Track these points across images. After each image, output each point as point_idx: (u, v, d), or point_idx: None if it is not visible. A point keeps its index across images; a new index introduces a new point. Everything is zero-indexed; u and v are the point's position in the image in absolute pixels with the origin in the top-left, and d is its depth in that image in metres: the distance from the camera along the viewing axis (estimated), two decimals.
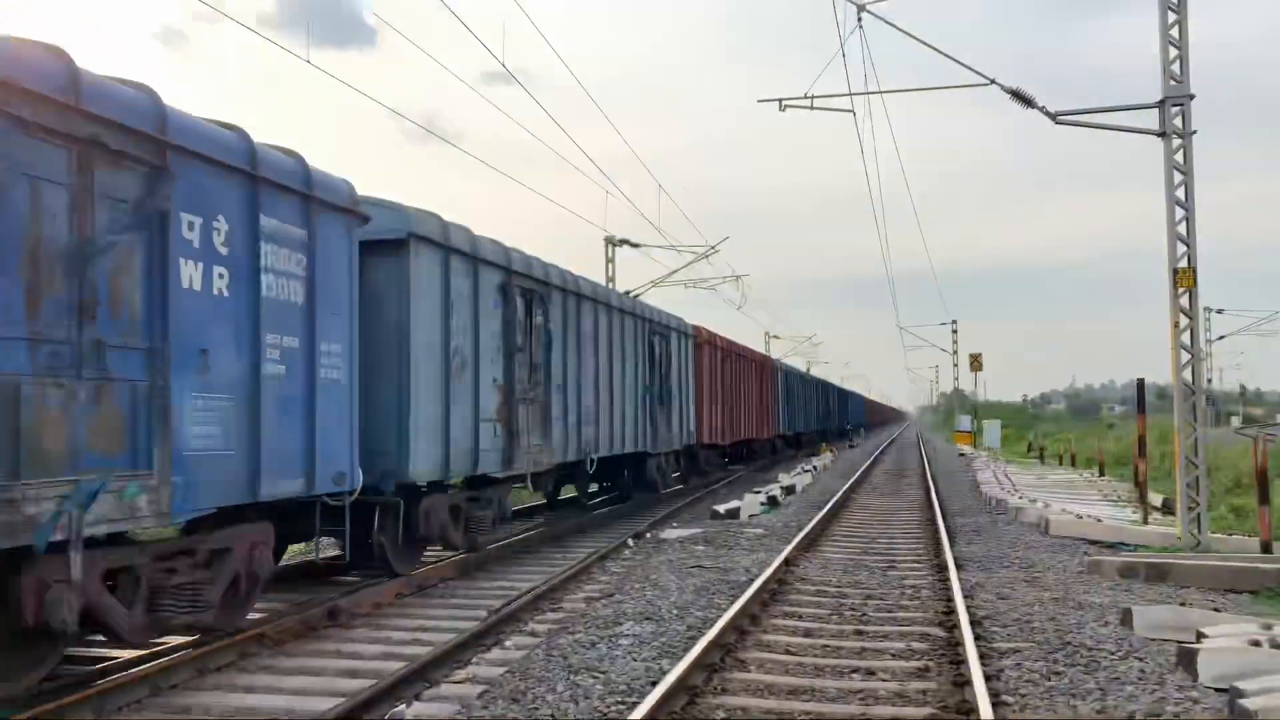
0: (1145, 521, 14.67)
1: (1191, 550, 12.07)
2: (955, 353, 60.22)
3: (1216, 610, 8.30)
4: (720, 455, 26.09)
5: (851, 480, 23.69)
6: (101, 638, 6.66)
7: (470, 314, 10.72)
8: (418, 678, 6.72)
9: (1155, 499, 16.57)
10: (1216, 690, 5.76)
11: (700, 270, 50.46)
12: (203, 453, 6.72)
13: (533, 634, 8.09)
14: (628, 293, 25.44)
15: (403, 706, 6.17)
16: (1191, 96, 12.85)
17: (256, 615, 8.24)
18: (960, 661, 6.74)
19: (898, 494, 21.72)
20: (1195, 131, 12.82)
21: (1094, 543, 13.30)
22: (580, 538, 14.13)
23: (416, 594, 9.88)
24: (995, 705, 5.62)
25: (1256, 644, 6.01)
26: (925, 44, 13.89)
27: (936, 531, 13.87)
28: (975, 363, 55.67)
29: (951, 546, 12.32)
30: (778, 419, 33.51)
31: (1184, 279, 12.74)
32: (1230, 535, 13.17)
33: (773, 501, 18.47)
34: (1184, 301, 12.76)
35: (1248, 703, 4.67)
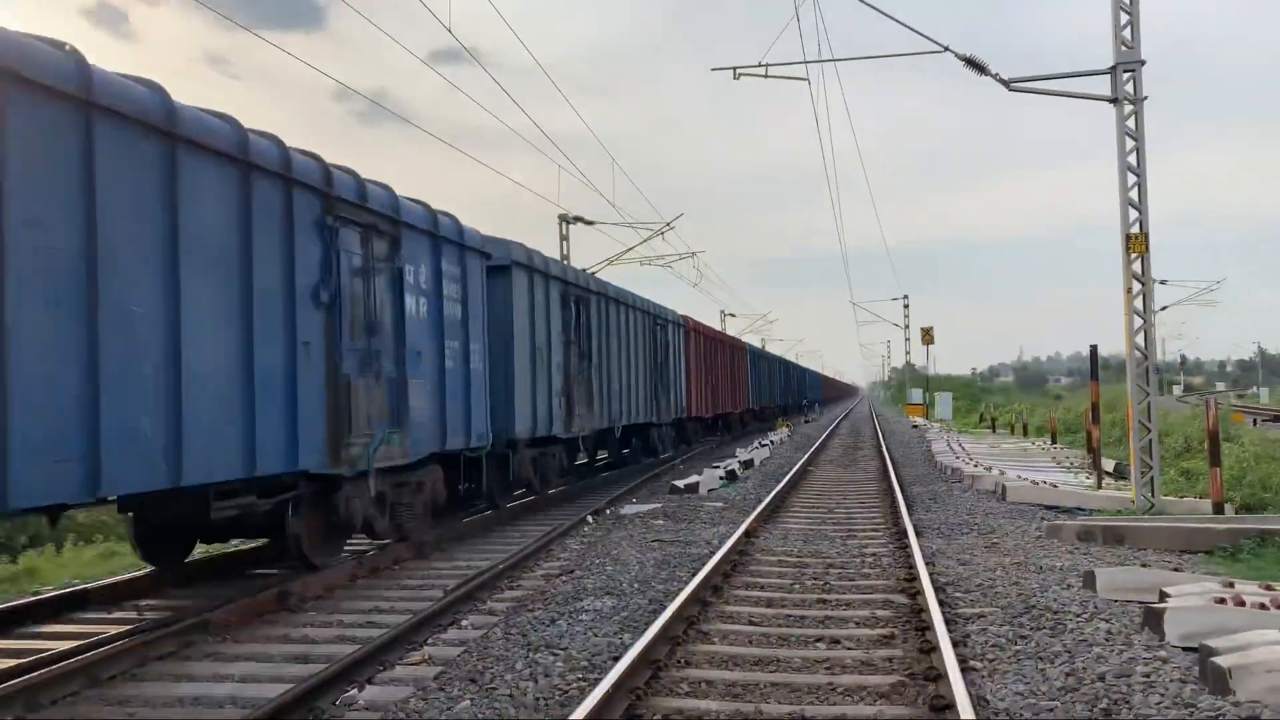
0: (1099, 486, 14.82)
1: (1145, 513, 12.19)
2: (907, 327, 60.84)
3: (1176, 570, 8.34)
4: (703, 426, 29.80)
5: (808, 453, 23.73)
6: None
7: (545, 317, 14.28)
8: (371, 660, 6.48)
9: (1107, 464, 16.76)
10: (1184, 649, 5.73)
11: (656, 247, 50.15)
12: (419, 419, 10.19)
13: (491, 612, 7.87)
14: (585, 270, 25.21)
15: (355, 691, 5.93)
16: (1142, 62, 12.86)
17: (210, 601, 7.93)
18: (925, 628, 6.65)
19: (855, 465, 21.79)
20: (1146, 97, 12.85)
21: (1050, 508, 13.40)
22: (537, 516, 13.92)
23: (370, 575, 9.62)
24: (964, 671, 5.52)
25: (1222, 601, 5.98)
26: (878, 10, 13.76)
27: (894, 500, 13.88)
28: (927, 336, 56.22)
29: (910, 514, 12.31)
30: (748, 394, 37.52)
31: (1136, 244, 12.79)
32: (1181, 498, 13.32)
33: (732, 476, 18.40)
34: (1136, 267, 12.82)
35: (1220, 661, 4.62)
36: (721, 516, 12.99)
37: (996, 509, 13.41)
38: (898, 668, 5.97)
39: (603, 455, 21.31)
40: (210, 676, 6.36)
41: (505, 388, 12.74)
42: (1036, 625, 6.62)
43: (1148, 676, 5.21)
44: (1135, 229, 12.78)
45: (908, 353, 62.15)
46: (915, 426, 41.27)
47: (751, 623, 7.16)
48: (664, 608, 7.14)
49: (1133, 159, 12.84)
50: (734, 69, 14.90)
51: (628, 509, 14.04)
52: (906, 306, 61.11)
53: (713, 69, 14.81)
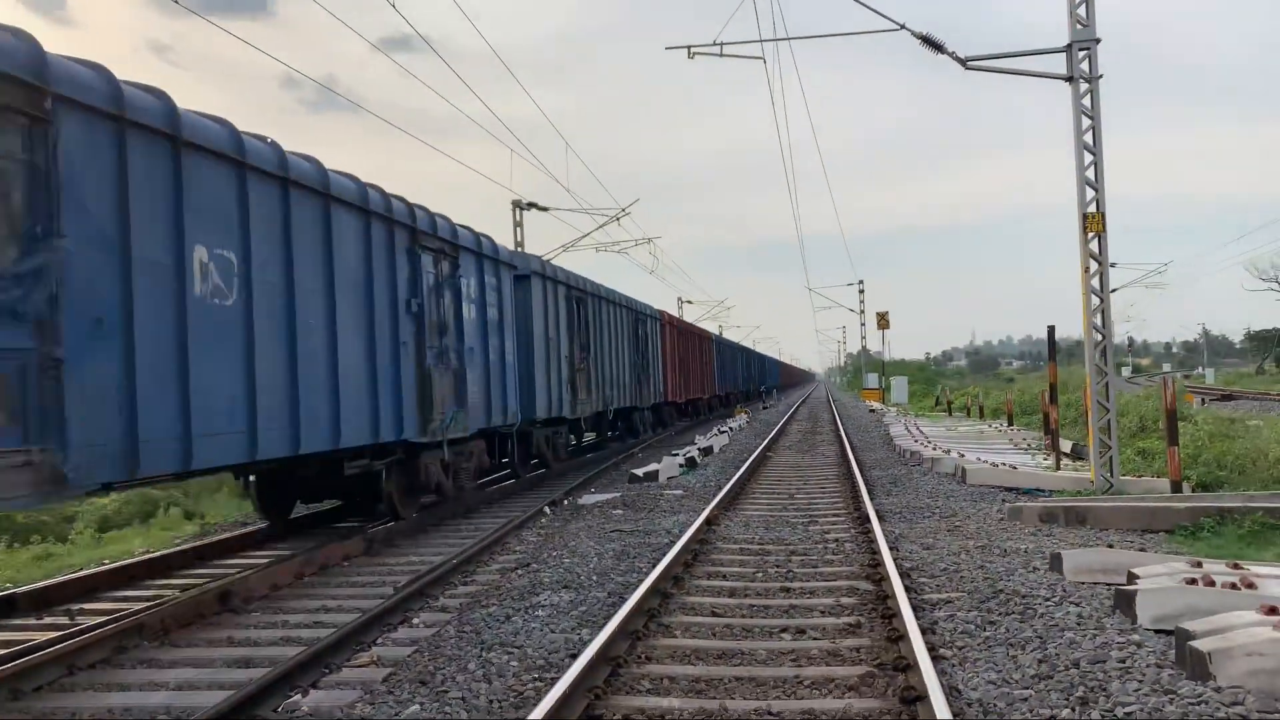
0: (1058, 468, 14.83)
1: (1105, 493, 12.18)
2: (862, 312, 61.17)
3: (1142, 550, 8.26)
4: (678, 410, 32.61)
5: (767, 439, 23.62)
6: None
7: (555, 316, 16.83)
8: (317, 663, 6.15)
9: (1064, 445, 16.81)
10: (1157, 632, 5.59)
11: (612, 233, 49.83)
12: (473, 401, 12.62)
13: (443, 609, 7.57)
14: (541, 257, 24.86)
15: (298, 696, 5.61)
16: (1098, 40, 12.80)
17: (149, 603, 7.53)
18: (892, 615, 6.46)
19: (814, 450, 21.72)
20: (1102, 75, 12.80)
21: (1010, 489, 13.36)
22: (492, 508, 13.60)
23: (318, 573, 9.26)
24: (934, 660, 5.33)
25: (1193, 582, 5.85)
26: None
27: (855, 484, 13.76)
28: (882, 321, 56.56)
29: (871, 499, 12.18)
30: (715, 381, 40.97)
31: (1093, 224, 12.75)
32: (1139, 477, 13.35)
33: (691, 463, 18.20)
34: (1094, 246, 12.78)
35: (1199, 645, 4.46)
36: (682, 505, 12.77)
37: (957, 491, 13.34)
38: (866, 658, 5.77)
39: (589, 437, 23.15)
40: (144, 684, 6.00)
41: (527, 375, 15.27)
42: (1005, 610, 6.46)
43: (1123, 662, 5.05)
44: (1092, 208, 12.74)
45: (863, 338, 62.52)
46: (872, 411, 41.46)
47: (714, 614, 6.94)
48: (624, 600, 6.90)
49: (1089, 138, 12.79)
50: (688, 48, 14.63)
51: (586, 499, 13.77)
52: (862, 292, 61.43)
53: (667, 48, 14.53)
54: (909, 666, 5.39)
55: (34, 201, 5.95)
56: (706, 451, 20.53)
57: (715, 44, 14.41)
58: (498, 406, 13.57)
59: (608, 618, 6.49)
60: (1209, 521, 9.48)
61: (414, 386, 10.92)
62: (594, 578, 8.14)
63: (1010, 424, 26.42)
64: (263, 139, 8.53)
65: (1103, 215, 12.73)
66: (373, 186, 10.43)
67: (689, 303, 60.75)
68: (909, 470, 16.44)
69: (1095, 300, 12.77)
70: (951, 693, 4.93)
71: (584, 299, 18.83)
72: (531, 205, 28.54)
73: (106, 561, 10.44)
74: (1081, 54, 12.80)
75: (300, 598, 8.26)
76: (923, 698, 4.77)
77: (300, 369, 8.61)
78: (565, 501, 13.60)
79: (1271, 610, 4.95)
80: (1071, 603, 6.41)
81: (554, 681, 5.15)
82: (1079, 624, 5.90)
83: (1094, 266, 12.76)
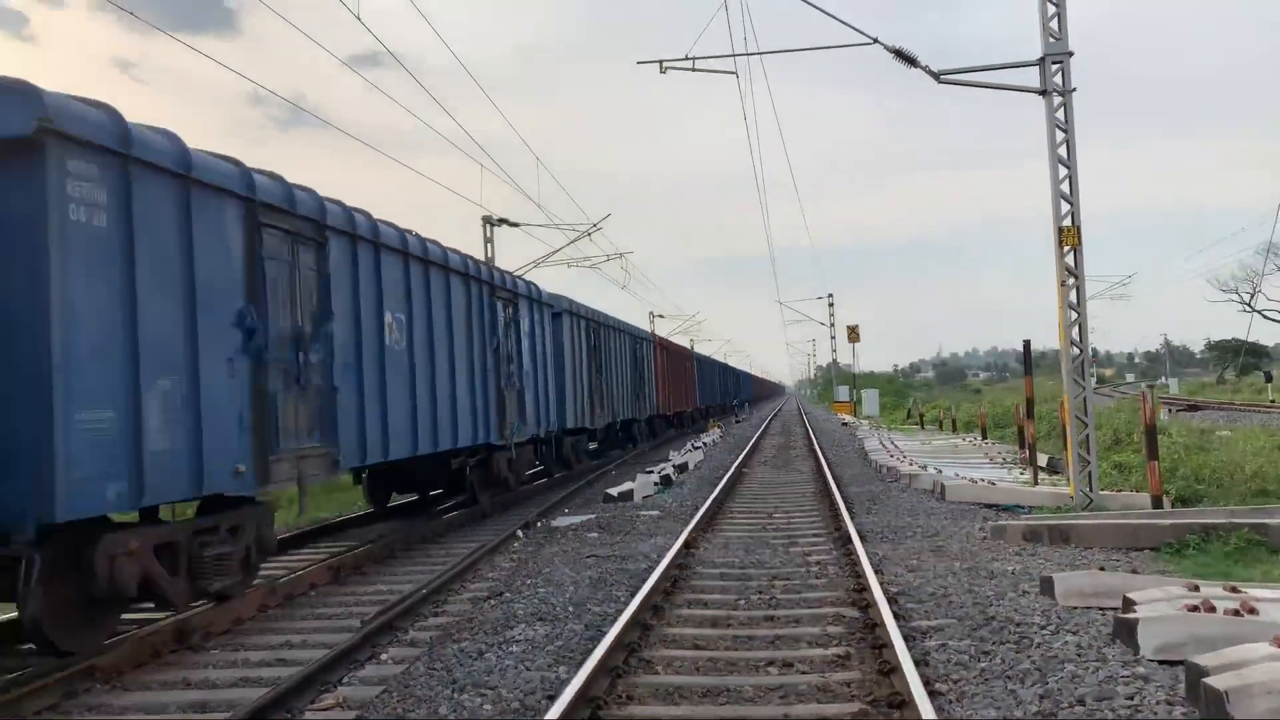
0: (1035, 482, 14.70)
1: (1085, 509, 12.05)
2: (832, 325, 61.30)
3: (1134, 572, 8.07)
4: (667, 421, 36.50)
5: (742, 454, 23.40)
6: None
7: (579, 345, 20.47)
8: (278, 706, 5.80)
9: (1040, 459, 16.70)
10: (1161, 663, 5.38)
11: (584, 249, 49.53)
12: (528, 414, 16.00)
13: (413, 644, 7.23)
14: (512, 272, 24.61)
15: None
16: (1070, 53, 12.75)
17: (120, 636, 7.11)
18: (882, 645, 6.20)
19: (789, 466, 21.52)
20: (1075, 89, 12.73)
21: (990, 506, 13.21)
22: (462, 532, 13.24)
23: (283, 605, 8.87)
24: (930, 695, 5.08)
25: (1194, 609, 5.65)
26: (807, 2, 13.43)
27: (834, 503, 13.54)
28: (853, 334, 56.67)
29: (852, 518, 11.95)
30: (696, 394, 45.44)
31: (1069, 237, 12.66)
32: (1118, 491, 13.24)
33: (666, 481, 17.92)
34: (1069, 260, 12.70)
35: (1215, 682, 4.23)
36: (659, 526, 12.48)
37: (937, 509, 13.16)
38: (858, 693, 5.51)
39: (591, 445, 25.50)
40: None
41: (559, 393, 18.43)
42: (999, 639, 6.22)
43: (1131, 699, 4.82)
44: (1067, 221, 12.66)
45: (834, 350, 62.63)
46: (845, 424, 41.39)
47: (697, 646, 6.66)
48: (602, 634, 6.59)
49: (1063, 151, 12.72)
50: (660, 62, 14.44)
51: (560, 520, 13.44)
52: (831, 305, 61.60)
53: (639, 62, 14.33)
54: (904, 703, 5.13)
55: (320, 296, 9.46)
56: (681, 468, 20.26)
57: (687, 58, 14.24)
58: (542, 418, 17.08)
59: (586, 653, 6.19)
60: (1194, 539, 9.34)
61: (495, 403, 14.35)
62: (570, 608, 7.82)
63: (984, 437, 26.37)
64: (408, 233, 11.86)
65: (1078, 229, 12.65)
66: (467, 255, 13.70)
67: (660, 317, 60.57)
68: (887, 487, 16.26)
69: (1072, 314, 12.67)
70: None
71: (598, 329, 22.66)
72: (503, 221, 28.22)
73: None
74: (1055, 67, 12.74)
75: (263, 632, 7.88)
76: None
77: (437, 392, 12.09)
78: (539, 524, 13.26)
79: None
80: (1068, 631, 6.19)
81: None
82: (1079, 655, 5.66)
83: (1070, 280, 12.67)
